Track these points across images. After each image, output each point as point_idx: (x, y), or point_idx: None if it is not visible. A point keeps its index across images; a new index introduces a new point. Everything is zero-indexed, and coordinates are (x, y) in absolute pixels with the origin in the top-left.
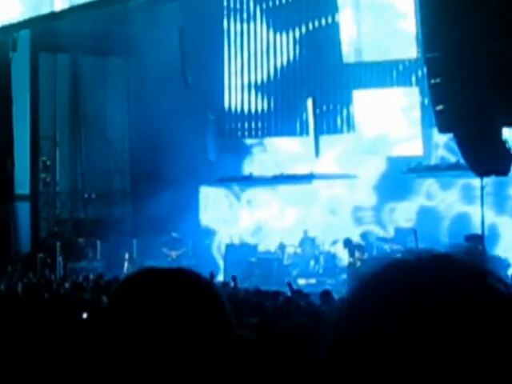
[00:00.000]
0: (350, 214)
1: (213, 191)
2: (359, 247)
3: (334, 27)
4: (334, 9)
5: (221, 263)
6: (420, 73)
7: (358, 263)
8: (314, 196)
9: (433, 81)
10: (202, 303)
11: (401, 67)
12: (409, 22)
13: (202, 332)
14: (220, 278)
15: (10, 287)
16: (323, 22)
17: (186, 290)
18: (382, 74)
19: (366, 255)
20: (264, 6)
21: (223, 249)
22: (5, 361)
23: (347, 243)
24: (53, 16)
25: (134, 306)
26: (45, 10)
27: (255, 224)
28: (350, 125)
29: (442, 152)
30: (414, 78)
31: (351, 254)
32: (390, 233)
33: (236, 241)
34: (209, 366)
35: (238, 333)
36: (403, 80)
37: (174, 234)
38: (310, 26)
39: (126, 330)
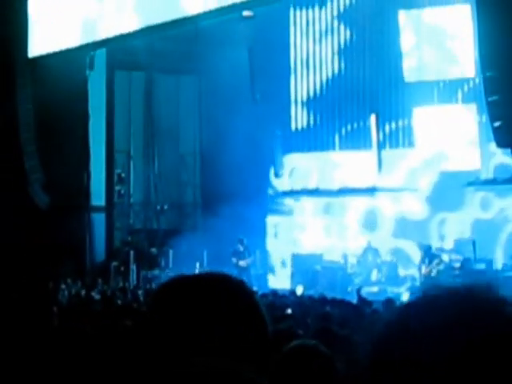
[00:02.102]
0: (394, 226)
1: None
2: (437, 256)
3: (396, 47)
4: (396, 31)
5: (284, 272)
6: (477, 91)
7: (434, 272)
8: (360, 208)
9: (490, 98)
10: (233, 311)
11: (459, 86)
12: (466, 42)
13: (231, 337)
14: (286, 286)
15: (87, 294)
16: (386, 41)
17: (215, 297)
18: (441, 92)
19: (442, 265)
20: (329, 25)
21: (287, 258)
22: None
23: (427, 251)
24: (127, 36)
25: (166, 312)
26: (121, 29)
27: (302, 235)
28: (409, 140)
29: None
30: (471, 96)
31: (428, 262)
32: (449, 244)
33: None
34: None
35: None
36: (461, 98)
37: (243, 245)
38: (373, 45)
39: (156, 335)
